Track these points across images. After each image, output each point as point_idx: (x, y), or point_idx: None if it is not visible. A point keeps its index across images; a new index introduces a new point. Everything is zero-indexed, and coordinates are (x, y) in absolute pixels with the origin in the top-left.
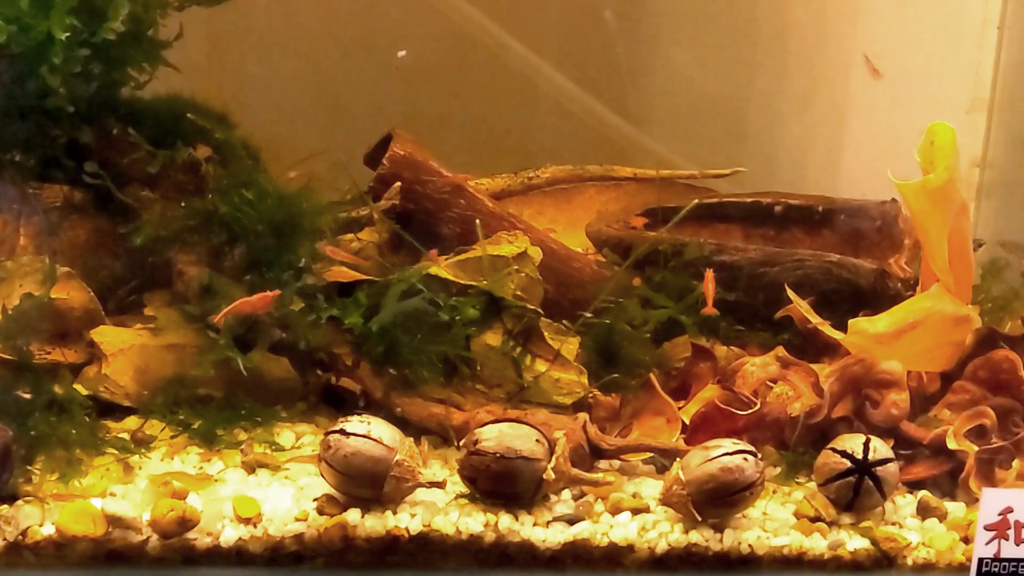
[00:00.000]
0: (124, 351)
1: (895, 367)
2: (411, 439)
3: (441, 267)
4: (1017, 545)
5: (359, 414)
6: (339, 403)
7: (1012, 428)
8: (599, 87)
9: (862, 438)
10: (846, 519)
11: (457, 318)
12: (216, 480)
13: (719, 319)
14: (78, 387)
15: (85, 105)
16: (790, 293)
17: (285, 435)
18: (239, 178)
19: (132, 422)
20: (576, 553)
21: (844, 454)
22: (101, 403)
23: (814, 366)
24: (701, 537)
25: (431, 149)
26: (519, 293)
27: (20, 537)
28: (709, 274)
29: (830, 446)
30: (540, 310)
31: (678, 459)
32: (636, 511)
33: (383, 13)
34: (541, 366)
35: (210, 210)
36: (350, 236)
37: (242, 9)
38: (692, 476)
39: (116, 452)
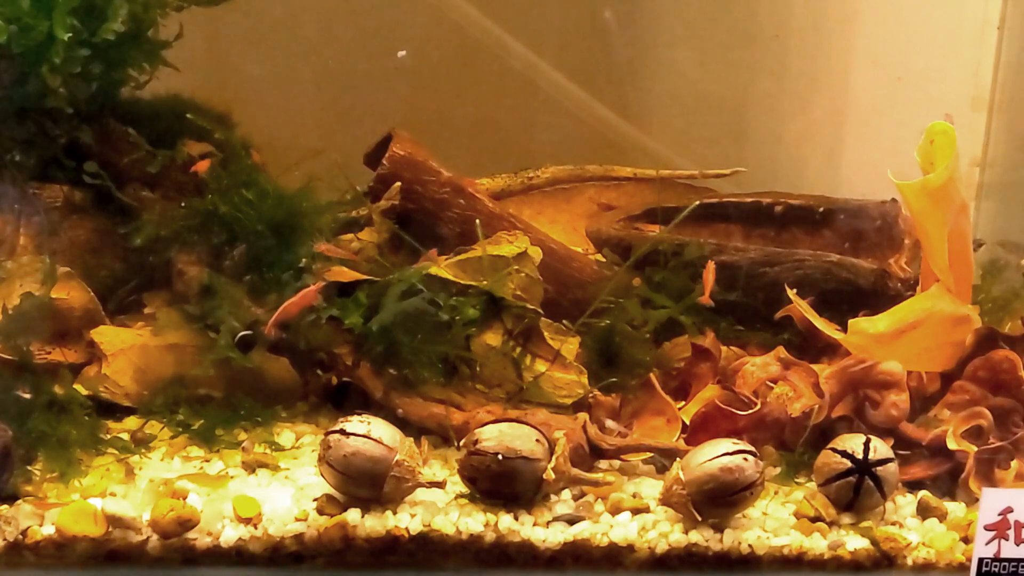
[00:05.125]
0: (124, 351)
1: (895, 368)
2: (411, 439)
3: (441, 267)
4: (1017, 545)
5: (359, 414)
6: (341, 402)
7: (1012, 428)
8: (599, 87)
9: (862, 438)
10: (846, 519)
11: (457, 318)
12: (231, 477)
13: (719, 319)
14: (78, 387)
15: (85, 105)
16: (790, 293)
17: (285, 435)
18: (239, 178)
19: (132, 422)
20: (576, 553)
21: (844, 454)
22: (101, 403)
23: (814, 366)
24: (701, 537)
25: (431, 149)
26: (519, 293)
27: (20, 537)
28: (710, 265)
29: (830, 446)
30: (540, 310)
31: (678, 459)
32: (636, 511)
33: (383, 13)
34: (541, 366)
35: (210, 210)
36: (350, 236)
37: (242, 9)
38: (692, 476)
39: (116, 452)
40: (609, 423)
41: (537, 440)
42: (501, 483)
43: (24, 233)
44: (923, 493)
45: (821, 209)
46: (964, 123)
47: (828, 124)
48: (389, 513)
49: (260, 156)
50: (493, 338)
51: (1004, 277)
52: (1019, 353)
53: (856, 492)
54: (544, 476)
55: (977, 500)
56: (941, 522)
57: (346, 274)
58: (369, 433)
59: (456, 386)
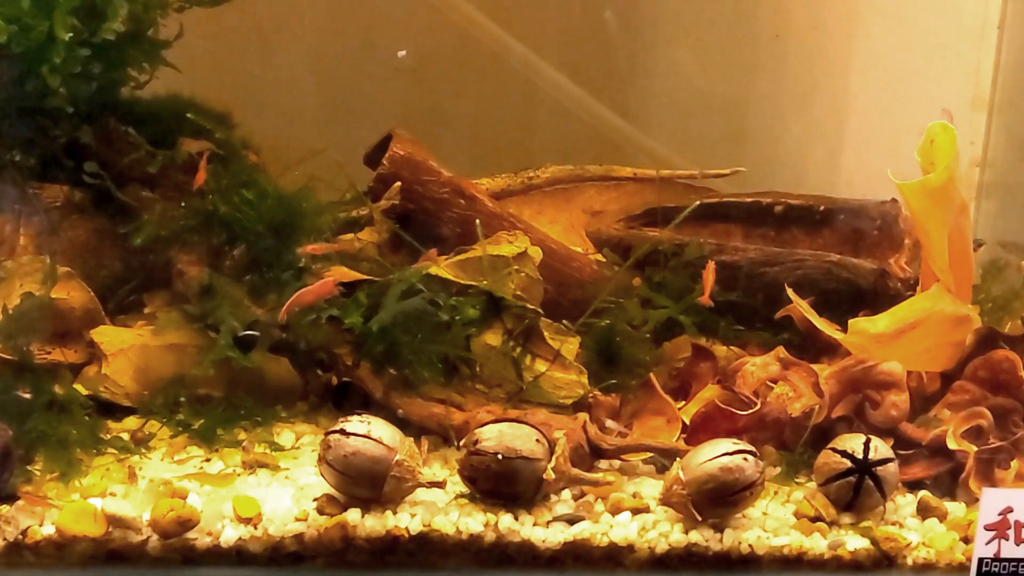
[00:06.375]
0: (124, 351)
1: (895, 368)
2: (411, 439)
3: (441, 267)
4: (1017, 545)
5: (359, 414)
6: (341, 402)
7: (1012, 428)
8: (599, 87)
9: (862, 438)
10: (846, 519)
11: (457, 318)
12: (237, 475)
13: (719, 319)
14: (78, 387)
15: (85, 105)
16: (790, 293)
17: (285, 435)
18: (239, 178)
19: (132, 422)
20: (576, 553)
21: (844, 454)
22: (101, 403)
23: (814, 366)
24: (701, 537)
25: (431, 149)
26: (519, 293)
27: (20, 537)
28: (710, 265)
29: (830, 446)
30: (540, 310)
31: (678, 459)
32: (636, 511)
33: (383, 13)
34: (541, 366)
35: (210, 210)
36: (349, 236)
37: (242, 9)
38: (692, 476)
39: (116, 452)
40: (609, 423)
41: (537, 440)
42: (501, 483)
43: (24, 233)
44: (923, 493)
45: (821, 209)
46: (964, 123)
47: (828, 124)
48: (389, 513)
49: (258, 156)
50: (493, 338)
51: (1004, 277)
52: (1019, 353)
53: (856, 492)
54: (544, 476)
55: (977, 500)
56: (941, 522)
57: (346, 274)
58: (369, 433)
59: (456, 386)
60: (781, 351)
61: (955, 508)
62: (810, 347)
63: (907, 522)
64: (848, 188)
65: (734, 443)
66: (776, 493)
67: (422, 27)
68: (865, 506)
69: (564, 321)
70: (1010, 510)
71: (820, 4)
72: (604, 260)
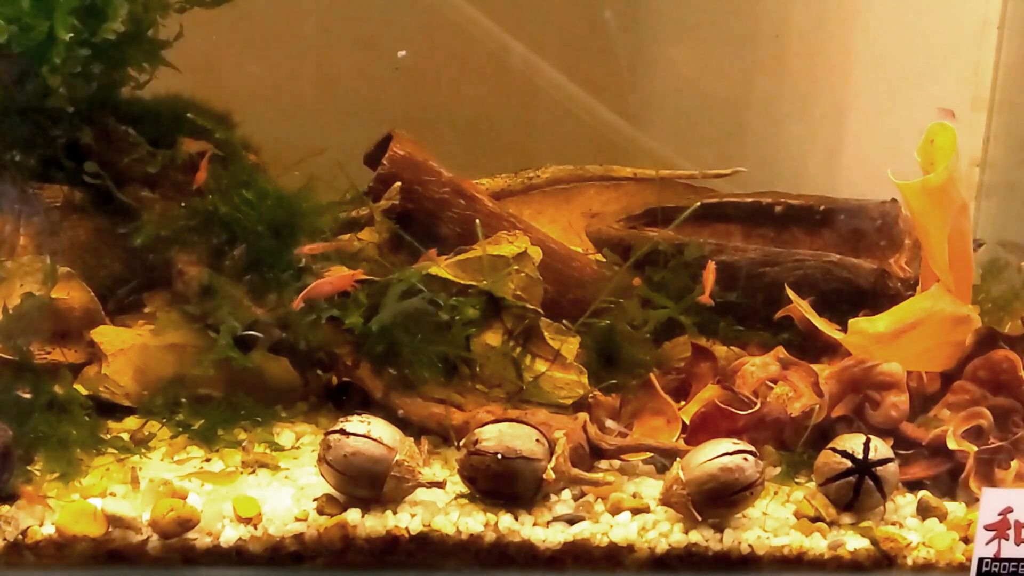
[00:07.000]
0: (124, 351)
1: (895, 369)
2: (411, 439)
3: (441, 267)
4: (1017, 545)
5: (359, 414)
6: (341, 402)
7: (1012, 428)
8: (599, 87)
9: (862, 438)
10: (846, 519)
11: (457, 318)
12: (241, 473)
13: (719, 319)
14: (78, 387)
15: (85, 105)
16: (790, 293)
17: (285, 435)
18: (239, 178)
19: (132, 422)
20: (576, 553)
21: (844, 454)
22: (101, 403)
23: (814, 366)
24: (701, 537)
25: (431, 149)
26: (519, 293)
27: (20, 537)
28: (711, 265)
29: (830, 446)
30: (540, 310)
31: (678, 459)
32: (636, 511)
33: (383, 13)
34: (541, 366)
35: (210, 210)
36: (348, 236)
37: (242, 9)
38: (692, 476)
39: (116, 452)
40: (609, 423)
41: (537, 440)
42: (501, 483)
43: (24, 233)
44: (923, 493)
45: (821, 209)
46: (964, 123)
47: (828, 124)
48: (389, 513)
49: (257, 157)
50: (493, 338)
51: (1004, 277)
52: (1019, 353)
53: (856, 492)
54: (544, 476)
55: (977, 500)
56: (941, 522)
57: (356, 274)
58: (369, 433)
59: (456, 386)
60: (781, 351)
61: (955, 508)
62: (810, 347)
63: (907, 522)
64: (848, 188)
65: (734, 443)
66: (776, 493)
67: (422, 27)
68: (865, 506)
69: (564, 321)
70: (1010, 510)
71: (820, 4)
72: (604, 260)
